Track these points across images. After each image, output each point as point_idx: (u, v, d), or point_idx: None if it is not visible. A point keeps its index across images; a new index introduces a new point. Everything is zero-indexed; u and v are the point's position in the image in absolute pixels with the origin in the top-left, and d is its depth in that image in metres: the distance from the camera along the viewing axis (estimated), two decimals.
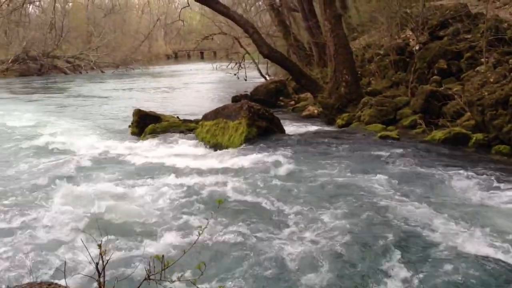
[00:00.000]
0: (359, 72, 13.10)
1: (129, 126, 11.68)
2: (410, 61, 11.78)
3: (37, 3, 47.55)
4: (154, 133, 10.34)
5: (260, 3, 24.95)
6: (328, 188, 6.21)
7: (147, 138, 10.13)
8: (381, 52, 13.61)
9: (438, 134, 8.51)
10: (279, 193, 6.14)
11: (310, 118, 12.42)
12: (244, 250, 4.55)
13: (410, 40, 13.08)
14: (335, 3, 12.79)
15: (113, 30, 51.44)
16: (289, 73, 14.87)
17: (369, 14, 16.16)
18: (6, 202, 6.30)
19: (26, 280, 3.62)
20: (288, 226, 5.09)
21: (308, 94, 14.25)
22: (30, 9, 47.28)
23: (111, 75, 38.08)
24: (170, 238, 4.86)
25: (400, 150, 7.77)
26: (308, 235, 4.82)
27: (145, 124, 10.93)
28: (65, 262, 3.29)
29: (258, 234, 4.88)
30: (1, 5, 34.67)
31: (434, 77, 10.73)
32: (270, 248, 4.56)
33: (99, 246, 2.32)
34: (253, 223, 5.19)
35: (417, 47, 11.83)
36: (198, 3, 15.47)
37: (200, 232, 2.46)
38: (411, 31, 12.89)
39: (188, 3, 17.81)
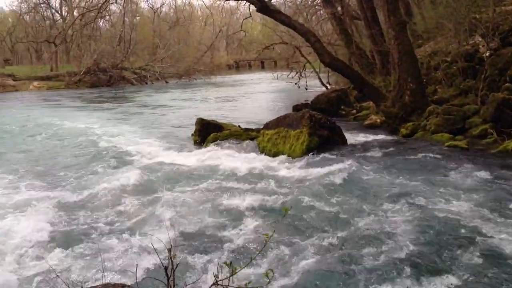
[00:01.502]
0: (425, 80, 12.68)
1: (192, 135, 11.95)
2: (479, 68, 11.26)
3: (107, 17, 50.17)
4: (216, 142, 10.51)
5: (321, 12, 24.86)
6: (395, 200, 6.02)
7: (209, 147, 10.32)
8: (448, 59, 13.10)
9: (511, 144, 8.06)
10: (343, 204, 6.04)
11: (372, 127, 12.16)
12: (310, 259, 4.51)
13: (480, 46, 12.50)
14: (400, 10, 12.48)
15: (177, 41, 53.14)
16: (350, 82, 14.66)
17: (435, 20, 15.65)
18: (76, 207, 6.64)
19: (99, 281, 3.79)
20: (352, 237, 4.99)
21: (371, 103, 13.97)
22: (101, 23, 49.96)
23: (174, 85, 39.27)
24: (237, 245, 4.91)
25: (469, 161, 7.44)
26: (373, 248, 4.70)
27: (207, 132, 11.14)
28: (136, 265, 3.41)
29: (323, 244, 4.83)
30: (75, 20, 36.90)
31: (506, 84, 10.18)
32: (334, 258, 4.50)
33: (169, 250, 2.38)
34: (318, 233, 5.14)
35: (487, 54, 11.30)
36: (260, 14, 15.63)
37: (267, 239, 2.47)
38: (480, 37, 12.33)
39: (250, 14, 18.08)
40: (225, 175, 7.94)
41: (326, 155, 8.53)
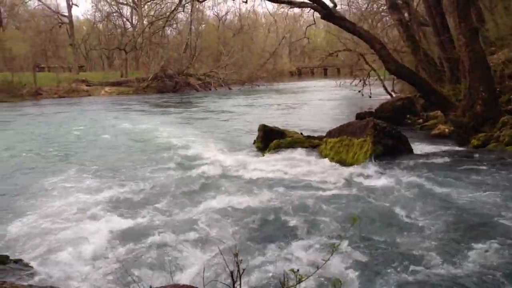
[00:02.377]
0: (498, 89, 12.08)
1: (254, 141, 12.08)
2: None
3: (175, 25, 51.86)
4: (278, 148, 10.55)
5: (387, 18, 24.36)
6: (465, 214, 5.76)
7: (271, 153, 10.37)
8: None
9: None
10: (409, 215, 5.86)
11: (440, 137, 11.75)
12: (377, 270, 4.43)
13: None
14: (471, 16, 11.98)
15: (241, 48, 53.95)
16: (417, 90, 14.25)
17: (510, 27, 14.90)
18: (143, 207, 6.89)
19: (166, 281, 3.92)
20: (418, 249, 4.83)
21: (438, 112, 13.50)
22: (169, 31, 51.74)
23: (237, 91, 39.86)
24: (303, 252, 4.89)
25: None
26: (439, 261, 4.54)
27: (270, 139, 11.21)
28: (204, 268, 3.49)
29: (390, 255, 4.71)
30: (145, 29, 38.48)
31: None
32: (401, 269, 4.38)
33: (236, 255, 2.42)
34: (384, 244, 5.03)
35: None
36: (324, 20, 15.55)
37: (334, 249, 2.46)
38: None
39: (314, 21, 18.01)
40: (287, 182, 7.95)
41: (391, 164, 8.31)
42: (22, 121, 21.83)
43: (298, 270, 2.31)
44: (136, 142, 13.59)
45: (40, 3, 59.31)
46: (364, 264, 4.53)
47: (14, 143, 14.50)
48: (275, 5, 15.66)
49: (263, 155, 10.46)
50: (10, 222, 6.49)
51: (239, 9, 71.21)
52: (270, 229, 5.66)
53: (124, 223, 6.12)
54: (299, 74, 69.65)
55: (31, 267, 4.87)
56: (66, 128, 18.05)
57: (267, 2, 15.50)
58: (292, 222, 5.89)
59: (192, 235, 5.58)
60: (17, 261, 4.94)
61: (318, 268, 2.42)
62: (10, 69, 42.48)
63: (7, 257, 5.01)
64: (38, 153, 12.51)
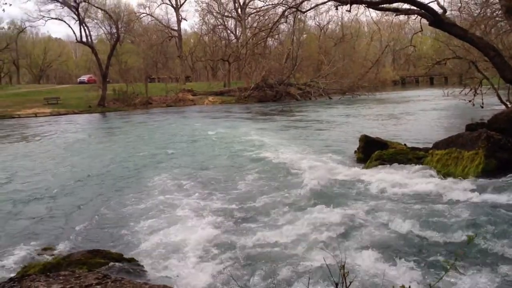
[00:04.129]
0: None
1: (355, 152, 11.85)
2: None
3: (276, 36, 52.78)
4: (380, 160, 10.23)
5: (502, 23, 22.66)
6: None
7: (373, 165, 10.08)
8: None
9: None
10: None
11: None
12: None
13: None
14: None
15: (342, 58, 53.41)
16: None
17: None
18: (239, 215, 7.08)
19: None
20: None
21: None
22: (270, 42, 52.81)
23: (337, 101, 39.47)
24: (414, 270, 4.68)
25: None
26: None
27: (371, 150, 10.92)
28: (308, 278, 3.49)
29: (507, 278, 4.36)
30: (248, 40, 39.65)
31: None
32: None
33: (342, 267, 2.40)
34: (502, 264, 4.67)
35: None
36: (430, 27, 14.89)
37: (449, 267, 2.34)
38: None
39: (421, 28, 17.32)
40: (391, 195, 7.69)
41: (506, 180, 7.69)
42: (137, 127, 23.63)
43: (409, 287, 2.22)
44: (240, 148, 14.05)
45: (153, 18, 63.73)
46: (481, 286, 4.21)
47: (129, 146, 15.86)
48: (379, 13, 15.30)
49: (364, 167, 10.21)
50: (122, 221, 7.04)
51: (341, 18, 70.47)
52: (377, 243, 5.50)
53: (227, 228, 6.32)
54: (403, 83, 67.35)
55: (142, 266, 5.21)
56: (176, 134, 19.28)
57: (371, 10, 15.17)
58: (401, 237, 5.69)
59: (297, 245, 5.59)
60: (130, 260, 5.32)
61: (430, 286, 2.29)
62: (125, 80, 46.13)
63: (121, 255, 5.42)
64: (153, 154, 13.86)
